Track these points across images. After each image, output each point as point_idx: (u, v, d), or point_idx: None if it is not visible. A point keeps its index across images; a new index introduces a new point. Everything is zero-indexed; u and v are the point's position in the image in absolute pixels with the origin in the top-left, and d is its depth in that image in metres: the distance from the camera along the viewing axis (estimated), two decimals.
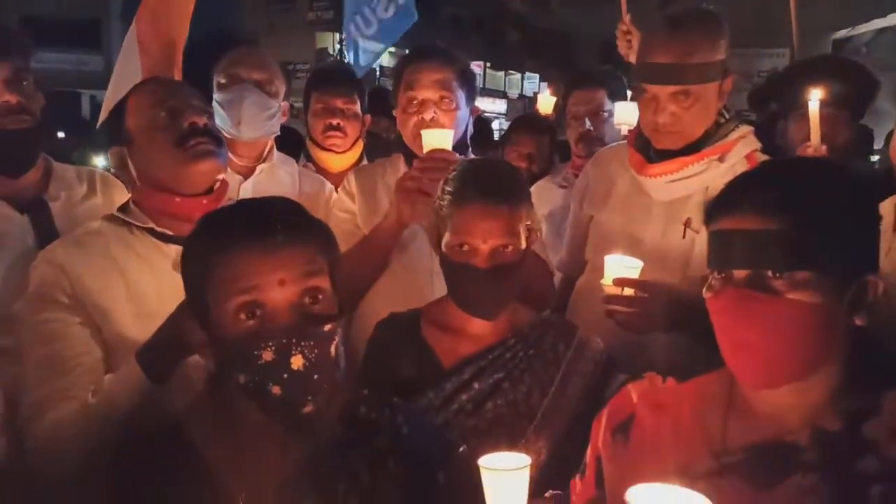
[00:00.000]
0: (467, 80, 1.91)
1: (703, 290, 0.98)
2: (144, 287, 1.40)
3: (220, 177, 1.49)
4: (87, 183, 1.78)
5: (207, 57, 2.25)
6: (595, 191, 1.98)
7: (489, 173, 1.40)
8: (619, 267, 1.53)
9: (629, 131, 2.05)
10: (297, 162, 2.48)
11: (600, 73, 2.88)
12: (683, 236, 1.75)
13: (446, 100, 1.84)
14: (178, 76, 2.18)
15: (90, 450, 1.23)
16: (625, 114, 2.40)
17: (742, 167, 1.74)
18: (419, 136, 1.79)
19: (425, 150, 1.73)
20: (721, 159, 1.74)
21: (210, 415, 1.04)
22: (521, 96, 25.69)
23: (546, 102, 3.44)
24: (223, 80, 2.12)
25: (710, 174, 1.74)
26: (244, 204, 1.07)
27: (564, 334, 1.47)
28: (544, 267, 1.83)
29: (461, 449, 1.22)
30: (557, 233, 2.37)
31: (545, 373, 1.41)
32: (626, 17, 2.38)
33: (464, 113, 1.89)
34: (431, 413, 1.35)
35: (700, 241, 1.72)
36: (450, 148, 1.72)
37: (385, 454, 1.08)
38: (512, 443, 1.33)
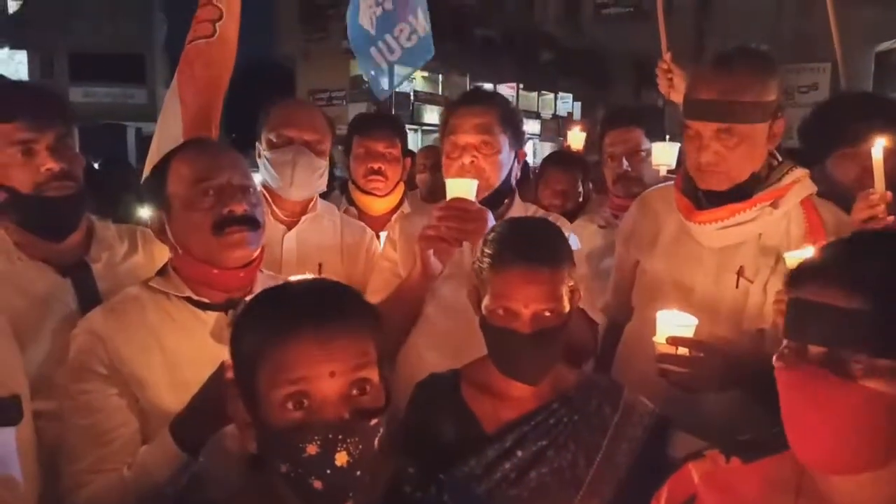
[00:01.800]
0: (511, 122, 1.88)
1: (774, 357, 0.92)
2: (181, 355, 1.40)
3: (255, 254, 1.49)
4: (128, 241, 1.80)
5: (244, 86, 2.28)
6: (641, 234, 1.93)
7: (529, 235, 1.36)
8: (673, 324, 1.48)
9: (675, 174, 1.99)
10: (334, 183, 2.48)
11: (636, 110, 2.84)
12: (737, 286, 1.68)
13: (487, 144, 1.82)
14: (216, 129, 2.21)
15: None
16: (662, 154, 2.35)
17: (797, 213, 1.69)
18: None
19: (448, 198, 1.72)
20: (774, 205, 1.67)
21: (252, 498, 1.02)
22: (555, 116, 25.65)
23: (576, 138, 3.41)
24: (274, 140, 2.12)
25: (763, 221, 1.68)
26: (299, 288, 1.04)
27: (610, 396, 1.41)
28: (585, 317, 1.78)
29: None
30: (597, 275, 2.32)
31: (591, 438, 1.35)
32: (667, 56, 2.33)
33: (506, 156, 1.86)
34: (474, 482, 1.30)
35: (755, 291, 1.66)
36: (473, 196, 1.70)
37: None
38: None
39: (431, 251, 1.70)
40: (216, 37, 2.04)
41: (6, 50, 23.27)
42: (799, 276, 0.91)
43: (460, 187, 1.70)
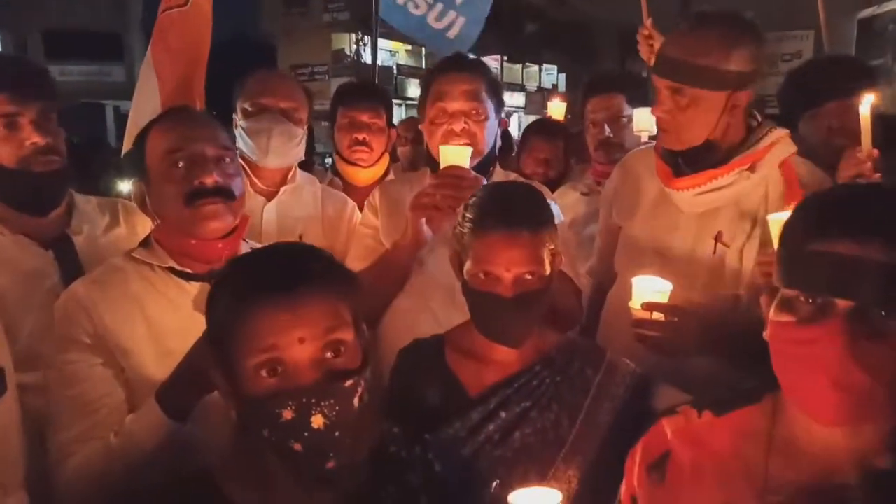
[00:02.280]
0: (496, 91, 1.90)
1: (773, 311, 0.90)
2: (165, 325, 1.40)
3: (232, 225, 1.47)
4: (109, 214, 1.79)
5: (226, 62, 2.25)
6: (623, 199, 1.94)
7: (509, 198, 1.37)
8: (648, 290, 1.49)
9: (653, 138, 2.00)
10: (312, 157, 2.46)
11: (618, 76, 2.83)
12: (714, 251, 1.69)
13: (477, 111, 1.81)
14: (199, 101, 2.18)
15: (115, 490, 1.23)
16: (643, 121, 2.35)
17: (776, 176, 1.69)
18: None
19: (442, 165, 1.70)
20: (752, 169, 1.68)
21: (240, 464, 1.04)
22: (540, 88, 25.52)
23: (557, 109, 3.40)
24: (249, 108, 2.10)
25: (741, 185, 1.68)
26: (268, 253, 1.05)
27: (592, 358, 1.43)
28: (570, 284, 1.79)
29: (494, 484, 1.19)
30: (581, 242, 2.33)
31: (573, 399, 1.37)
32: (648, 21, 2.33)
33: (493, 124, 1.87)
34: (458, 444, 1.32)
35: (731, 256, 1.67)
36: (467, 164, 1.69)
37: (418, 492, 1.08)
38: (541, 472, 1.31)
39: (424, 219, 1.69)
40: (189, 5, 2.00)
41: None
42: (821, 227, 0.85)
43: (455, 154, 1.69)
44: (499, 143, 1.96)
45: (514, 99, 24.07)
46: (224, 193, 1.42)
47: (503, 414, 1.35)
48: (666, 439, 1.06)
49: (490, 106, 1.85)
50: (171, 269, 1.44)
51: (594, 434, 1.35)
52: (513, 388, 1.37)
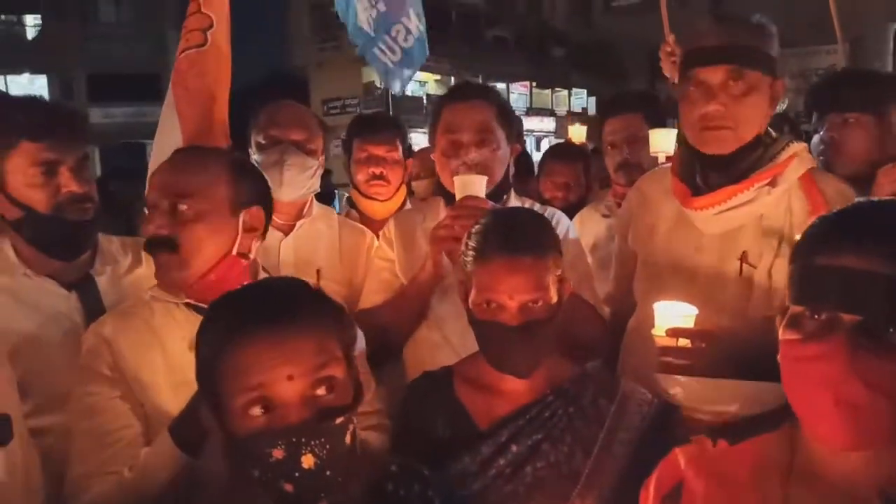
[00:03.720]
0: (506, 117, 1.86)
1: (782, 328, 0.87)
2: (182, 358, 1.39)
3: (183, 277, 1.41)
4: (131, 254, 1.81)
5: (258, 97, 2.28)
6: (639, 224, 1.88)
7: (511, 225, 1.34)
8: (672, 315, 1.44)
9: (670, 159, 1.95)
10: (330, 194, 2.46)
11: (634, 96, 2.78)
12: (740, 273, 1.63)
13: (487, 141, 1.79)
14: (224, 138, 2.21)
15: None
16: (660, 141, 2.31)
17: (797, 191, 1.63)
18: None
19: (458, 196, 1.69)
20: (772, 184, 1.62)
21: (234, 499, 1.02)
22: (570, 112, 25.54)
23: (577, 132, 3.38)
24: (262, 141, 2.11)
25: (763, 201, 1.61)
26: (253, 290, 1.04)
27: (606, 387, 1.38)
28: (592, 313, 1.75)
29: None
30: (602, 265, 2.28)
31: (588, 431, 1.32)
32: (670, 38, 2.28)
33: (504, 152, 1.84)
34: (468, 479, 1.29)
35: (759, 276, 1.60)
36: (483, 193, 1.68)
37: None
38: None
39: (443, 253, 1.67)
40: (208, 45, 2.04)
41: (27, 75, 23.82)
42: (829, 242, 0.84)
43: (470, 184, 1.68)
44: (512, 169, 1.94)
45: (544, 124, 24.15)
46: (166, 244, 1.36)
47: (514, 447, 1.31)
48: (679, 469, 1.02)
49: (500, 134, 1.82)
50: (188, 304, 1.44)
51: (610, 467, 1.30)
52: (524, 419, 1.33)
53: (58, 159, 1.58)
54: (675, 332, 1.44)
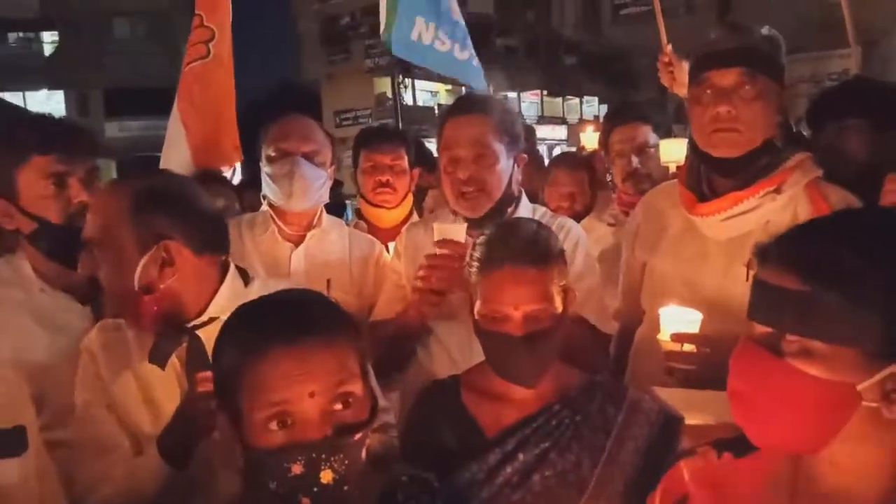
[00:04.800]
0: (507, 129, 1.84)
1: None
2: (152, 375, 1.41)
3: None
4: None
5: (270, 110, 2.30)
6: (646, 234, 1.88)
7: (514, 235, 1.35)
8: (677, 320, 1.44)
9: (679, 168, 1.95)
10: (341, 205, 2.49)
11: (641, 105, 2.79)
12: (747, 278, 1.62)
13: (483, 157, 1.78)
14: (236, 151, 2.23)
15: None
16: (671, 151, 2.31)
17: (803, 198, 1.63)
18: (460, 196, 1.79)
19: (435, 242, 1.71)
20: (778, 191, 1.62)
21: None
22: (581, 120, 25.53)
23: (590, 138, 3.36)
24: (272, 154, 2.14)
25: (768, 208, 1.62)
26: (273, 304, 1.03)
27: (613, 396, 1.38)
28: (594, 336, 1.76)
29: None
30: (610, 276, 2.28)
31: (595, 439, 1.32)
32: (668, 48, 2.30)
33: (504, 166, 1.82)
34: (475, 488, 1.29)
35: None
36: (462, 240, 1.69)
37: None
38: None
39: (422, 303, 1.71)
40: (211, 57, 2.08)
41: (44, 91, 24.24)
42: (755, 257, 0.92)
43: (448, 234, 1.71)
44: (519, 177, 1.92)
45: (555, 132, 24.11)
46: (96, 286, 1.43)
47: (521, 456, 1.31)
48: (684, 482, 1.02)
49: (499, 147, 1.80)
50: None
51: (618, 476, 1.30)
52: (531, 428, 1.33)
53: (67, 171, 1.62)
54: (679, 338, 1.44)
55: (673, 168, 2.32)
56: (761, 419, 0.88)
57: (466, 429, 1.38)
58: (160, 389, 1.37)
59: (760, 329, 0.88)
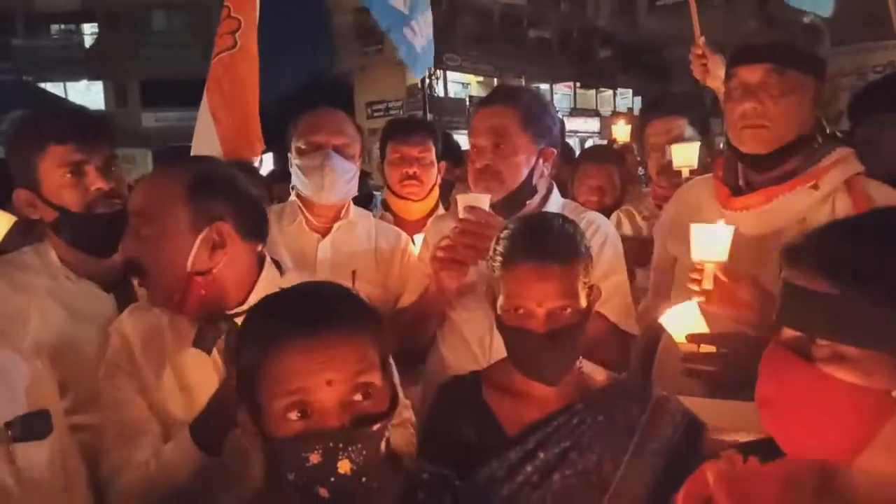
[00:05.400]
0: (532, 121, 1.82)
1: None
2: (185, 360, 1.42)
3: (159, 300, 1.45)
4: None
5: (305, 102, 2.32)
6: (678, 228, 1.84)
7: (540, 231, 1.33)
8: (683, 319, 1.41)
9: (694, 173, 1.91)
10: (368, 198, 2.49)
11: (677, 97, 2.73)
12: (780, 275, 1.59)
13: (501, 147, 1.78)
14: (258, 142, 2.25)
15: None
16: (682, 155, 2.25)
17: (843, 194, 1.58)
18: (476, 183, 1.78)
19: (460, 214, 1.69)
20: (815, 187, 1.57)
21: (270, 501, 1.03)
22: (615, 113, 25.21)
23: (622, 131, 3.30)
24: (303, 147, 2.15)
25: (805, 204, 1.58)
26: (294, 294, 1.03)
27: (638, 396, 1.35)
28: (614, 334, 1.74)
29: None
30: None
31: (617, 439, 1.30)
32: (700, 40, 2.24)
33: (524, 158, 1.80)
34: (496, 485, 1.27)
35: None
36: (487, 209, 1.68)
37: None
38: None
39: (444, 273, 1.69)
40: (238, 47, 2.09)
41: (84, 82, 24.83)
42: (783, 259, 0.89)
43: (472, 201, 1.70)
44: (546, 172, 1.88)
45: (588, 125, 23.87)
46: (133, 267, 1.41)
47: (542, 454, 1.29)
48: (708, 485, 0.99)
49: (521, 139, 1.79)
50: None
51: (640, 478, 1.27)
52: (552, 426, 1.31)
53: (84, 159, 1.64)
54: (694, 338, 1.41)
55: (686, 172, 2.26)
56: (791, 426, 0.85)
57: (487, 426, 1.36)
58: (196, 376, 1.37)
59: (790, 332, 0.85)
